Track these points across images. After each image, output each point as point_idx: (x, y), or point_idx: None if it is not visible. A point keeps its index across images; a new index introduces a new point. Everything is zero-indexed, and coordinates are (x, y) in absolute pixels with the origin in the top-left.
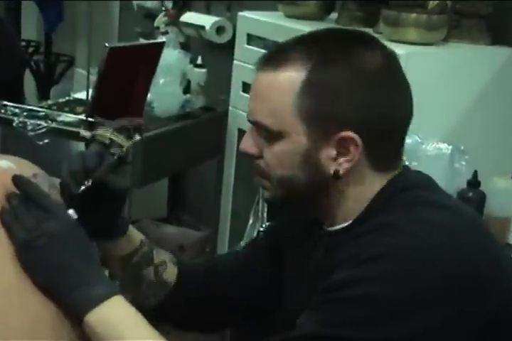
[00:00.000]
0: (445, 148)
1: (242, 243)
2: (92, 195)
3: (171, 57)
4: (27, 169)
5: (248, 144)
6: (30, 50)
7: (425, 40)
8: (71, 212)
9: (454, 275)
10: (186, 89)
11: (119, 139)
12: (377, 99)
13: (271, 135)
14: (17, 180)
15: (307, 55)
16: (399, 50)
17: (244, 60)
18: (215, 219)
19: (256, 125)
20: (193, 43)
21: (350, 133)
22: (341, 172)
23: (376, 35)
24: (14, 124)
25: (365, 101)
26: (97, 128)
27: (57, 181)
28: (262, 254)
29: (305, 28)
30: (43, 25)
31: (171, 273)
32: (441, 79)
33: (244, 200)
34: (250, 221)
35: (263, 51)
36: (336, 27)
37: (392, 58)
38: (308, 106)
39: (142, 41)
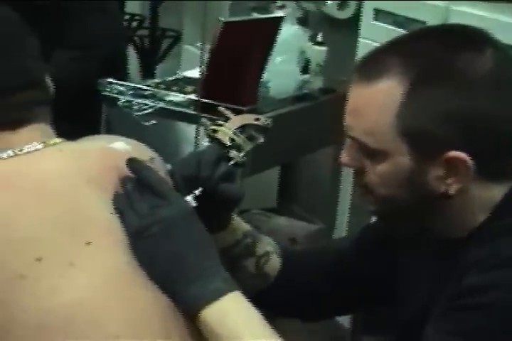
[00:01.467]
0: None
1: None
2: (201, 202)
3: (289, 33)
4: (144, 152)
5: (348, 158)
6: (134, 24)
7: None
8: (189, 198)
9: None
10: (304, 69)
11: (241, 140)
12: (489, 112)
13: (371, 153)
14: (133, 163)
15: (406, 67)
16: None
17: (371, 37)
18: (331, 212)
19: (354, 140)
20: (312, 19)
21: (458, 154)
22: (451, 192)
23: None
24: (119, 103)
25: (474, 117)
26: (221, 119)
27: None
28: (373, 247)
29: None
30: None
31: (273, 265)
32: None
33: None
34: None
35: (394, 28)
36: (437, 26)
37: (506, 60)
38: (410, 125)
39: (256, 15)
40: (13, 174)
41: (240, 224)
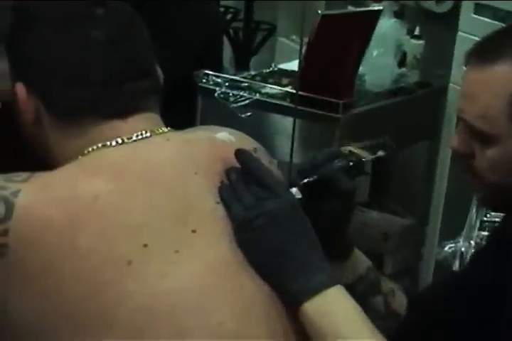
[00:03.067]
0: None
1: (463, 233)
2: (315, 195)
3: (386, 27)
4: (247, 143)
5: (459, 142)
6: (229, 17)
7: None
8: (295, 190)
9: None
10: (401, 62)
11: (359, 151)
12: None
13: (482, 138)
14: (240, 154)
15: None
16: None
17: (471, 31)
18: (424, 207)
19: (465, 124)
20: (409, 12)
21: None
22: None
23: None
24: (216, 95)
25: None
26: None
27: (272, 160)
28: (488, 263)
29: None
30: None
31: (400, 302)
32: None
33: (460, 188)
34: (473, 210)
35: (494, 22)
36: None
37: None
38: None
39: (352, 8)
40: (122, 161)
41: (361, 257)
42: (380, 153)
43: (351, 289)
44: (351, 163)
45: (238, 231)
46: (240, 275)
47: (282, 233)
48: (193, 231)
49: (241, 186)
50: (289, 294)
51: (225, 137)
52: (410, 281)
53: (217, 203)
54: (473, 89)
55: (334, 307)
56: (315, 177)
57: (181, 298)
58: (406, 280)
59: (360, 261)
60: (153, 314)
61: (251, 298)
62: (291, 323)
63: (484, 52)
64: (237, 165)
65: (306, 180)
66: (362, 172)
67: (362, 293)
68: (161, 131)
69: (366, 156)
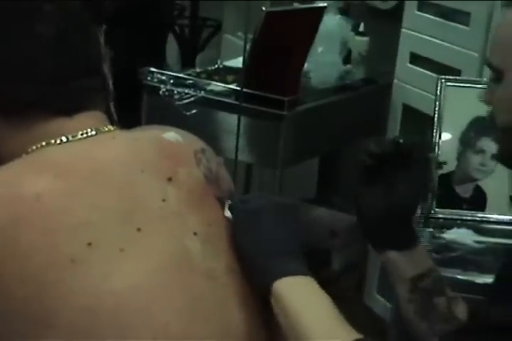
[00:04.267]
0: None
1: None
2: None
3: (331, 23)
4: (195, 143)
5: (486, 91)
6: (175, 13)
7: None
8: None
9: None
10: (346, 59)
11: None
12: None
13: (494, 76)
14: None
15: None
16: None
17: (414, 28)
18: None
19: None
20: (354, 9)
21: None
22: None
23: None
24: (161, 92)
25: None
26: None
27: (220, 160)
28: None
29: None
30: None
31: (462, 309)
32: None
33: None
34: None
35: (438, 19)
36: None
37: None
38: None
39: (297, 5)
40: (66, 160)
41: (425, 254)
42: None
43: (417, 282)
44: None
45: (233, 216)
46: (185, 274)
47: (271, 218)
48: (139, 230)
49: None
50: (261, 273)
51: (173, 137)
52: (357, 278)
53: (164, 201)
54: (503, 31)
55: (304, 290)
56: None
57: (126, 297)
58: (353, 278)
59: (426, 256)
60: (96, 314)
61: (199, 298)
62: (246, 325)
63: None
64: (184, 164)
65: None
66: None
67: (427, 289)
68: (106, 129)
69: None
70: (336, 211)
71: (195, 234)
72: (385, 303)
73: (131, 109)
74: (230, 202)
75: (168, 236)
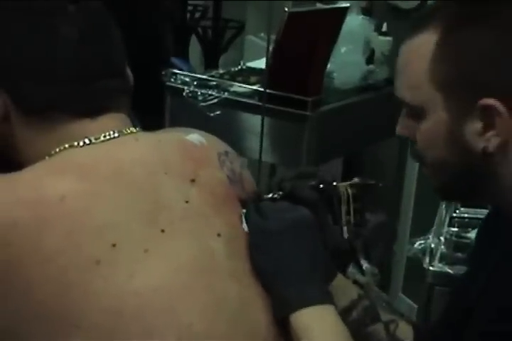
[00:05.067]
0: None
1: (433, 229)
2: None
3: (354, 23)
4: (218, 146)
5: (401, 126)
6: (197, 15)
7: None
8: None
9: None
10: (369, 59)
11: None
12: None
13: (414, 112)
14: None
15: (441, 15)
16: None
17: None
18: (395, 203)
19: (402, 104)
20: (376, 8)
21: (490, 101)
22: (490, 149)
23: None
24: (184, 94)
25: (510, 62)
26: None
27: (243, 161)
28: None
29: None
30: None
31: (405, 331)
32: None
33: (430, 184)
34: (442, 206)
35: None
36: None
37: None
38: (443, 73)
39: (320, 6)
40: (89, 162)
41: (349, 282)
42: (355, 180)
43: (346, 316)
44: (322, 185)
45: (251, 234)
46: (209, 275)
47: (292, 242)
48: (162, 231)
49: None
50: (279, 302)
51: (196, 139)
52: (382, 278)
53: (187, 202)
54: (402, 61)
55: (316, 324)
56: (280, 192)
57: (150, 298)
58: (379, 278)
59: (349, 286)
60: (120, 315)
61: (221, 299)
62: (271, 326)
63: (414, 27)
64: (208, 166)
65: (270, 195)
66: (330, 198)
67: (358, 321)
68: (129, 131)
69: (339, 183)
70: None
71: (218, 235)
72: (410, 304)
73: (155, 110)
74: (244, 211)
75: (191, 237)
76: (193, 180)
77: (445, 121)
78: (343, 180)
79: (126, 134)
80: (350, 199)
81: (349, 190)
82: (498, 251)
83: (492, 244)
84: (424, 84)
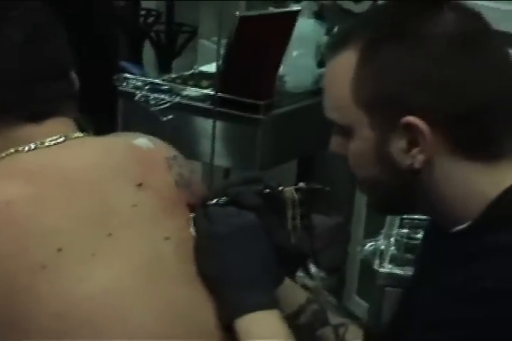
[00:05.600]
0: None
1: (383, 231)
2: None
3: (306, 27)
4: (166, 150)
5: (333, 145)
6: (151, 19)
7: None
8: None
9: None
10: (321, 63)
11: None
12: (444, 76)
13: (342, 131)
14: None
15: (361, 34)
16: None
17: None
18: (350, 205)
19: (331, 122)
20: (328, 12)
21: (412, 119)
22: (416, 166)
23: None
24: (136, 98)
25: (428, 80)
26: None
27: (193, 163)
28: None
29: None
30: None
31: (354, 334)
32: None
33: None
34: None
35: None
36: None
37: (472, 24)
38: (365, 92)
39: (272, 9)
40: (35, 167)
41: (297, 287)
42: (301, 184)
43: (294, 320)
44: (267, 191)
45: (197, 239)
46: (159, 278)
47: (237, 247)
48: (110, 235)
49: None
50: (225, 307)
51: (144, 143)
52: (338, 281)
53: (135, 206)
54: (326, 81)
55: (256, 329)
56: (224, 198)
57: (100, 301)
58: (334, 280)
59: (297, 290)
60: (69, 319)
61: (171, 301)
62: (221, 328)
63: (333, 45)
64: (155, 170)
65: (215, 201)
66: (278, 201)
67: (307, 325)
68: (75, 135)
69: (285, 188)
70: (316, 213)
71: (167, 238)
72: (365, 305)
73: (107, 115)
74: (193, 215)
75: (140, 241)
76: (140, 184)
77: (372, 140)
78: (298, 182)
79: (72, 139)
80: (296, 204)
81: (295, 195)
82: (440, 255)
83: (436, 246)
84: (348, 104)
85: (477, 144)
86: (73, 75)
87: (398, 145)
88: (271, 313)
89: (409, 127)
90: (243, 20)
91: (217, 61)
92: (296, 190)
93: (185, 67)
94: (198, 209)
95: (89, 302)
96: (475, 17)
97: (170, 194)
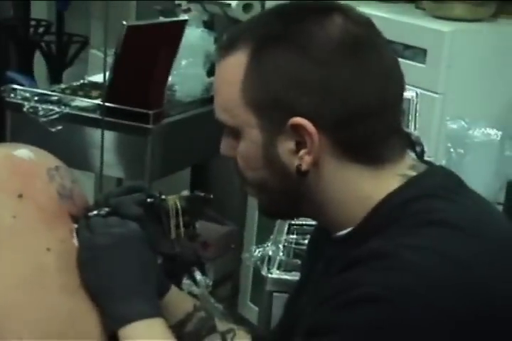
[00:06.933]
0: (494, 133)
1: (272, 237)
2: None
3: (194, 36)
4: (48, 161)
5: (224, 147)
6: (41, 30)
7: (473, 16)
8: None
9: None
10: (210, 72)
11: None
12: (327, 80)
13: (232, 133)
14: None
15: (251, 36)
16: (443, 27)
17: None
18: (242, 212)
19: (221, 124)
20: (218, 22)
21: (299, 120)
22: (304, 167)
23: (419, 11)
24: (25, 110)
25: (312, 84)
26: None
27: (76, 172)
28: None
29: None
30: (54, 3)
31: (243, 339)
32: (490, 59)
33: None
34: None
35: None
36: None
37: (360, 30)
38: (253, 94)
39: (161, 19)
40: None
41: (184, 295)
42: (184, 193)
43: (181, 328)
44: (149, 200)
45: (79, 250)
46: (39, 290)
47: (119, 257)
48: None
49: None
50: (108, 318)
51: (24, 154)
52: (232, 288)
53: (14, 217)
54: (216, 82)
55: (139, 338)
56: (105, 209)
57: None
58: (228, 287)
59: (185, 298)
60: None
61: (53, 312)
62: (104, 339)
63: (223, 46)
64: (36, 182)
65: (95, 212)
66: (158, 210)
67: (194, 333)
68: None
69: (169, 197)
70: (207, 221)
71: (48, 249)
72: (258, 311)
73: None
74: (76, 226)
75: (21, 253)
76: (20, 195)
77: (260, 141)
78: (192, 190)
79: None
80: (180, 212)
81: (178, 203)
82: (322, 261)
83: (320, 252)
84: (237, 105)
85: (360, 148)
86: None
87: (286, 146)
88: (154, 321)
89: (297, 128)
90: (131, 29)
91: (105, 71)
92: (180, 198)
93: (77, 78)
94: (81, 220)
95: None
96: (364, 23)
97: (51, 205)
